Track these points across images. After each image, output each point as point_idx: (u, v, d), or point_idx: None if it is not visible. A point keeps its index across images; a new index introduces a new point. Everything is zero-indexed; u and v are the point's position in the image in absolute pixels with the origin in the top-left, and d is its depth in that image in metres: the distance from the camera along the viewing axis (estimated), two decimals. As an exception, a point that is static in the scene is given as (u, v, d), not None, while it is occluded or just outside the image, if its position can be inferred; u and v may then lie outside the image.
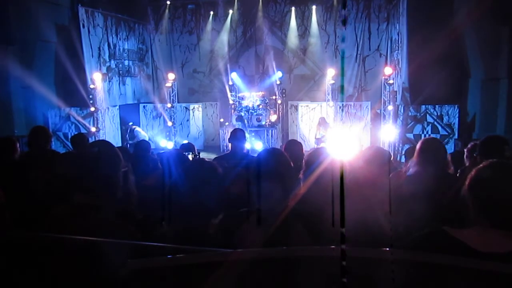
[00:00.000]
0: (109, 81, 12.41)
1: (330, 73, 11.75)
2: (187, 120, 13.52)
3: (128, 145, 11.54)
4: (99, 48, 11.88)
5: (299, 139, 9.24)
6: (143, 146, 4.92)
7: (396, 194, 2.94)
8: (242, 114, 12.21)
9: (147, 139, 11.19)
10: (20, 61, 10.84)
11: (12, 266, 1.54)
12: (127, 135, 11.87)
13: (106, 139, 11.22)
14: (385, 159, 3.43)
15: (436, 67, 10.01)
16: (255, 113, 12.25)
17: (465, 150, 4.16)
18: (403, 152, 9.56)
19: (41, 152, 4.25)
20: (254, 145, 11.11)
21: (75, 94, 11.35)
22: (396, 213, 2.59)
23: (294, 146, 4.23)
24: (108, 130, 11.72)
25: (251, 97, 12.49)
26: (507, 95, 9.31)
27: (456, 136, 10.28)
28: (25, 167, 3.72)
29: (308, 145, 11.34)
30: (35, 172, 3.51)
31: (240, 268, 1.10)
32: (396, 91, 10.80)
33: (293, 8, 13.52)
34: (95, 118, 11.29)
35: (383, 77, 10.94)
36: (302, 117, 12.42)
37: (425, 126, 10.58)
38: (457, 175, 3.78)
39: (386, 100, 11.01)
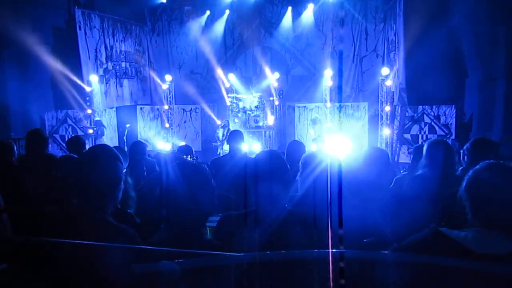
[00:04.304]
0: (106, 83, 12.38)
1: (328, 74, 11.75)
2: (184, 122, 13.50)
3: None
4: (95, 50, 11.85)
5: (296, 140, 9.22)
6: (138, 148, 4.83)
7: (399, 195, 2.95)
8: (240, 115, 12.20)
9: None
10: (16, 64, 10.83)
11: (10, 271, 1.53)
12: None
13: (104, 142, 11.27)
14: (384, 160, 3.44)
15: (433, 68, 10.04)
16: (253, 115, 12.25)
17: (462, 151, 4.16)
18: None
19: (38, 155, 4.22)
20: (252, 146, 11.10)
21: (72, 97, 11.33)
22: (397, 215, 2.60)
23: (296, 147, 4.22)
24: (106, 132, 11.69)
25: (249, 99, 12.49)
26: (504, 95, 9.35)
27: (453, 137, 10.30)
28: (23, 170, 3.71)
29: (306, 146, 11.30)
30: (33, 176, 3.50)
31: (238, 272, 1.10)
32: (393, 92, 10.82)
33: (289, 9, 13.52)
34: (92, 121, 11.27)
35: (380, 78, 10.96)
36: (299, 118, 12.42)
37: (423, 126, 10.60)
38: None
39: (383, 100, 11.03)
